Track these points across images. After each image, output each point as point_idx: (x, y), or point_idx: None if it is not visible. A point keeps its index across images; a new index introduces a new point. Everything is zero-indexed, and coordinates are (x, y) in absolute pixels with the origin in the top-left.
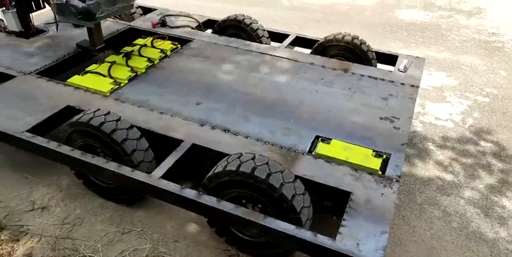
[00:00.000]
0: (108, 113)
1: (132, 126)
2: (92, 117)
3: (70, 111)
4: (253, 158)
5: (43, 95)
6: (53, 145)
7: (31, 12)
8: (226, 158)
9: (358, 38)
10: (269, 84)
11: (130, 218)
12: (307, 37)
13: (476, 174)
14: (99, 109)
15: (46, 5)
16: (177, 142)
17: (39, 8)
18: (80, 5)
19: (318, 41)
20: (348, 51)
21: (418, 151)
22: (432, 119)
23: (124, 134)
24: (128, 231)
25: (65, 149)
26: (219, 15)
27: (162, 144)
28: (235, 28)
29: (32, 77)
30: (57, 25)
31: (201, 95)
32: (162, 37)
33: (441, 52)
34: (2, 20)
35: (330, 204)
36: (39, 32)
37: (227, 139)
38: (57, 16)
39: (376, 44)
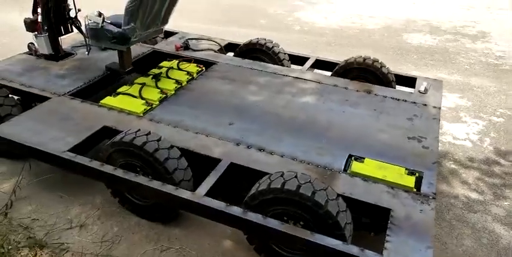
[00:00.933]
0: (149, 133)
1: (172, 146)
2: (134, 137)
3: (106, 131)
4: (296, 177)
5: (79, 116)
6: (96, 164)
7: (60, 36)
8: (268, 176)
9: (378, 61)
10: (297, 106)
11: (167, 235)
12: (327, 60)
13: (500, 192)
14: (139, 130)
15: (74, 29)
16: (215, 161)
17: (67, 31)
18: (116, 30)
19: (338, 63)
20: (369, 74)
21: (441, 170)
22: (451, 139)
23: (166, 153)
24: (166, 248)
25: (108, 169)
26: (236, 39)
27: (199, 163)
28: (257, 51)
29: (66, 99)
30: (89, 49)
31: (232, 115)
32: (188, 60)
33: (452, 74)
34: (32, 43)
35: (368, 221)
36: (67, 54)
37: (263, 158)
38: (89, 40)
39: (389, 66)
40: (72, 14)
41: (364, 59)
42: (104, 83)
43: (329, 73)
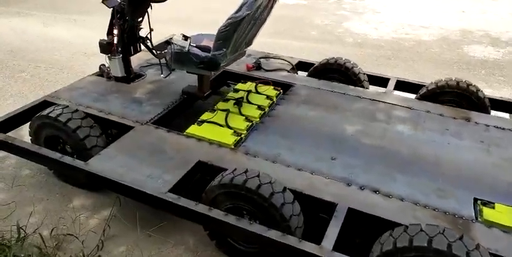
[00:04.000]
0: (259, 174)
1: (285, 189)
2: (246, 180)
3: (201, 166)
4: (442, 232)
5: (169, 149)
6: (203, 209)
7: (130, 57)
8: (403, 228)
9: (472, 85)
10: (395, 136)
11: None
12: (410, 81)
13: None
14: (247, 170)
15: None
16: (329, 205)
17: (136, 51)
18: (203, 54)
19: (423, 85)
20: (462, 98)
21: None
22: None
23: (281, 197)
24: None
25: (217, 214)
26: (291, 53)
27: (307, 206)
28: (335, 71)
29: (150, 128)
30: (170, 73)
31: (330, 148)
32: (266, 82)
33: None
34: (104, 65)
35: None
36: (137, 76)
37: (382, 202)
38: (172, 64)
39: None
40: (141, 32)
41: (458, 82)
42: (181, 108)
43: (408, 95)
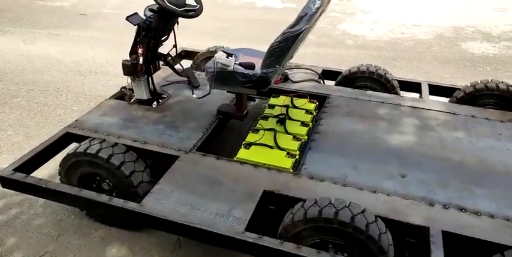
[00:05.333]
0: (349, 204)
1: (377, 218)
2: (337, 212)
3: (268, 197)
4: None
5: (227, 178)
6: (291, 248)
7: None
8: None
9: (511, 85)
10: (453, 145)
11: None
12: (443, 85)
13: None
14: (332, 200)
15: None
16: (421, 230)
17: (155, 70)
18: (251, 72)
19: (456, 88)
20: (503, 100)
21: None
22: None
23: (376, 228)
24: None
25: (310, 252)
26: (298, 59)
27: (394, 231)
28: (366, 79)
29: (197, 156)
30: (208, 93)
31: (395, 164)
32: (302, 95)
33: None
34: (125, 87)
35: None
36: (160, 96)
37: (474, 221)
38: (213, 84)
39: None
40: (161, 49)
41: (497, 84)
42: (218, 130)
43: (441, 99)
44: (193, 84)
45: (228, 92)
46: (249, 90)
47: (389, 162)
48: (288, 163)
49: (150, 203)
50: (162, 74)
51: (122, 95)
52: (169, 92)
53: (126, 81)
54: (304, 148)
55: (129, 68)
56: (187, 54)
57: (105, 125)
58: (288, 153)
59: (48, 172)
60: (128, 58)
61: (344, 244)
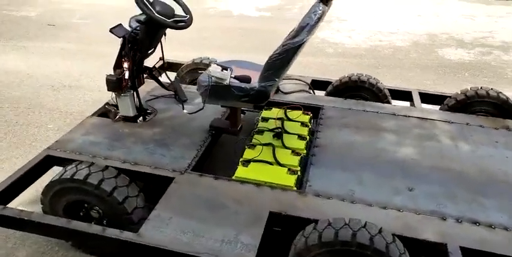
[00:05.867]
0: (365, 224)
1: (395, 237)
2: (354, 234)
3: (275, 218)
4: None
5: (228, 200)
6: None
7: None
8: None
9: (502, 93)
10: (453, 155)
11: None
12: (433, 93)
13: None
14: (346, 220)
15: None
16: (438, 246)
17: (140, 84)
18: (248, 86)
19: (447, 97)
20: (494, 107)
21: None
22: None
23: (395, 249)
24: None
25: None
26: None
27: (408, 248)
28: (360, 89)
29: (193, 176)
30: (202, 108)
31: (400, 177)
32: (296, 107)
33: None
34: (109, 104)
35: None
36: (146, 112)
37: (489, 235)
38: (207, 99)
39: (453, 87)
40: (146, 62)
41: (487, 91)
42: (211, 147)
43: (430, 106)
44: (180, 98)
45: (222, 106)
46: (246, 104)
47: (394, 175)
48: (291, 180)
49: (149, 232)
50: (146, 88)
51: (105, 112)
52: (155, 107)
53: (102, 95)
54: (304, 163)
55: (114, 84)
56: (170, 66)
57: (90, 145)
58: (289, 169)
59: (24, 197)
60: (112, 72)
61: None
